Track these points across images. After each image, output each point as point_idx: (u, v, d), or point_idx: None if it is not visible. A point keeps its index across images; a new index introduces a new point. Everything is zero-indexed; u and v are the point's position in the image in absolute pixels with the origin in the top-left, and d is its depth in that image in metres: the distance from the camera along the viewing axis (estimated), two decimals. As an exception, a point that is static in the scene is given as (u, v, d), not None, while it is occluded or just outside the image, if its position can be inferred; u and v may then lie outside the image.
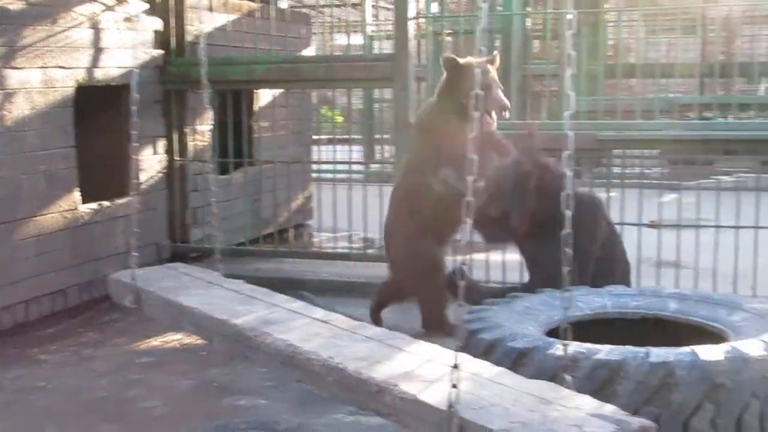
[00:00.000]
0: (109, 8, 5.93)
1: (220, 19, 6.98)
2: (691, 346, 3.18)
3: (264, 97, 7.49)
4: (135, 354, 4.93)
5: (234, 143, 6.75)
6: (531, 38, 12.56)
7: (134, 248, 4.65)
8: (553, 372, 3.05)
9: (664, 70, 10.66)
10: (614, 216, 5.71)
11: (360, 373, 2.92)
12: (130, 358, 4.86)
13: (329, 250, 7.32)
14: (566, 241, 2.82)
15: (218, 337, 3.87)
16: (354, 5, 13.86)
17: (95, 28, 5.79)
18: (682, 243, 5.81)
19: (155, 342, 5.09)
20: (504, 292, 4.28)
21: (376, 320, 5.15)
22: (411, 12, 6.13)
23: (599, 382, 3.04)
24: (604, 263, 4.71)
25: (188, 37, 6.64)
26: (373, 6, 14.58)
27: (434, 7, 11.72)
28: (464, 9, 11.88)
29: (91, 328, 5.43)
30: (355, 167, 11.80)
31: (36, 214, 5.33)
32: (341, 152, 10.43)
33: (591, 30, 10.32)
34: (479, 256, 5.83)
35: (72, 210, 5.60)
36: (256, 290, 4.19)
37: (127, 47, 5.93)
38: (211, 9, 6.82)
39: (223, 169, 6.96)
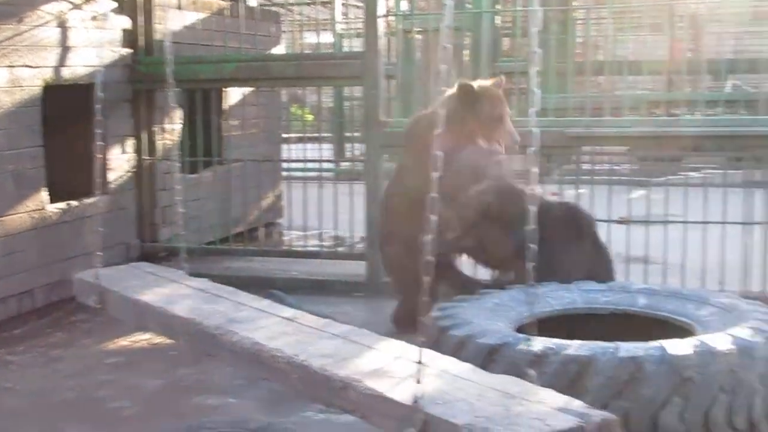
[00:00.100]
0: (77, 7, 5.88)
1: (189, 17, 6.94)
2: (660, 341, 3.20)
3: (233, 95, 7.46)
4: (104, 354, 4.90)
5: (204, 142, 6.73)
6: (500, 36, 12.58)
7: (99, 248, 4.61)
8: (524, 368, 3.06)
9: (633, 67, 10.74)
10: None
11: (325, 369, 2.91)
12: (99, 358, 4.83)
13: (299, 249, 7.31)
14: (532, 237, 2.83)
15: (183, 336, 3.84)
16: (324, 3, 13.83)
17: (62, 26, 5.74)
18: (651, 239, 5.85)
19: (124, 342, 5.06)
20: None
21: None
22: (381, 10, 6.13)
23: (569, 378, 3.06)
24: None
25: (157, 36, 6.60)
26: (342, 4, 14.55)
27: (404, 5, 11.73)
28: (434, 7, 11.87)
29: (60, 328, 5.38)
30: (325, 165, 11.80)
31: (3, 214, 5.28)
32: (311, 150, 10.42)
33: (560, 27, 10.36)
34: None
35: (39, 210, 5.55)
36: (222, 289, 4.17)
37: (95, 46, 5.89)
38: (179, 7, 6.78)
39: (193, 168, 6.93)
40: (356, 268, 6.22)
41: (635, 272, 5.75)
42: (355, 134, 12.98)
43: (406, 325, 4.84)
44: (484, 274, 5.29)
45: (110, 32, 6.22)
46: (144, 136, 6.60)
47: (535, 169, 2.91)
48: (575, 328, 3.70)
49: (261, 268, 6.68)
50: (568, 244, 4.56)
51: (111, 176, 6.16)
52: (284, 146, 8.69)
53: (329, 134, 13.65)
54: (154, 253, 6.53)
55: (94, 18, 6.00)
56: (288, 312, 3.71)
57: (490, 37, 11.37)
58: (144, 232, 6.65)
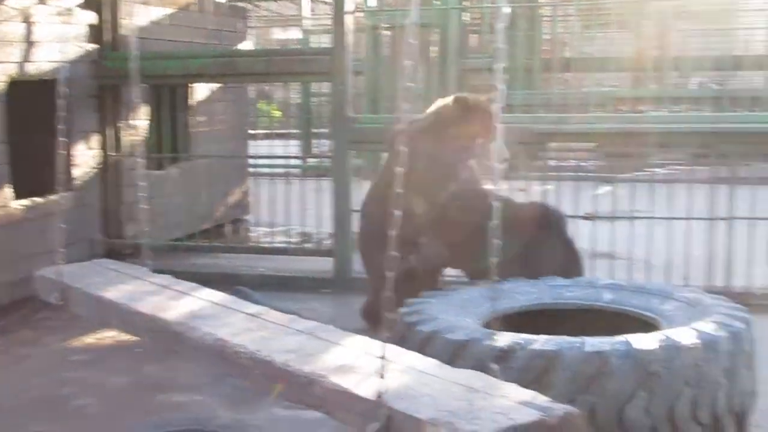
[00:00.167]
0: (42, 2, 5.82)
1: (156, 12, 6.90)
2: (625, 336, 3.22)
3: (200, 91, 7.42)
4: (69, 352, 4.86)
5: (170, 138, 6.69)
6: (468, 32, 12.62)
7: (62, 244, 4.57)
8: (491, 363, 3.07)
9: (599, 64, 10.81)
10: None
11: (288, 365, 2.91)
12: (64, 355, 4.79)
13: (266, 245, 7.28)
14: (494, 232, 2.84)
15: (146, 332, 3.82)
16: (291, -1, 13.82)
17: (27, 22, 5.67)
18: (617, 234, 5.89)
19: (89, 339, 5.02)
20: None
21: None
22: (349, 6, 6.11)
23: (536, 373, 3.07)
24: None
25: (123, 31, 6.54)
26: (310, 0, 14.55)
27: (372, 2, 11.74)
28: (401, 3, 11.88)
29: (25, 326, 5.33)
30: (292, 162, 11.78)
31: (-34, 210, 5.22)
32: (279, 146, 10.40)
33: (527, 24, 10.41)
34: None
35: (3, 207, 5.49)
36: (186, 285, 4.15)
37: (60, 41, 5.83)
38: (146, 2, 6.73)
39: (160, 165, 6.89)
40: (323, 265, 6.21)
41: (601, 267, 5.79)
42: (323, 130, 12.98)
43: (375, 320, 4.84)
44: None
45: (76, 27, 6.16)
46: (110, 132, 6.54)
47: (501, 165, 2.95)
48: (542, 323, 3.72)
49: (228, 264, 6.65)
50: (539, 243, 4.57)
51: (76, 172, 6.10)
52: (251, 142, 8.67)
53: (297, 130, 13.64)
54: (119, 249, 6.48)
55: (59, 13, 5.94)
56: (253, 308, 3.70)
57: (458, 33, 11.41)
58: (109, 229, 6.60)
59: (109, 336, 4.99)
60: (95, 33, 6.39)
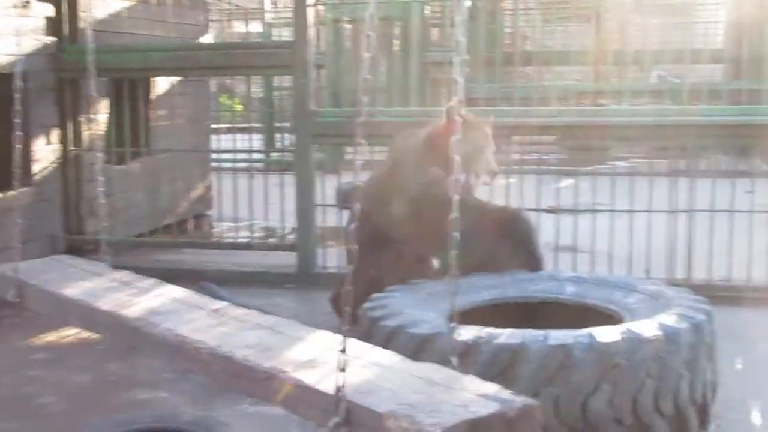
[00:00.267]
0: (-3, -6, 5.75)
1: (115, 5, 6.82)
2: (589, 329, 3.24)
3: (161, 85, 7.36)
4: (31, 350, 4.80)
5: (131, 132, 6.62)
6: (430, 26, 12.64)
7: (19, 240, 4.51)
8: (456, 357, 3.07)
9: (560, 58, 10.87)
10: (513, 202, 5.80)
11: (248, 360, 2.90)
12: (26, 353, 4.73)
13: (230, 240, 7.25)
14: (455, 225, 2.83)
15: (105, 329, 3.78)
16: (252, -8, 13.76)
17: (-18, 14, 5.60)
18: (579, 227, 5.92)
19: (51, 337, 4.96)
20: None
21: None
22: (310, -1, 6.09)
23: (501, 366, 3.09)
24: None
25: (82, 24, 6.46)
26: (272, -7, 14.49)
27: (333, -5, 11.70)
28: (363, -4, 11.88)
29: (-16, 324, 5.27)
30: (255, 156, 11.74)
31: None
32: (241, 141, 10.34)
33: (488, 18, 10.43)
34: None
35: (-39, 202, 5.41)
36: (147, 281, 4.11)
37: (17, 34, 5.75)
38: (105, -5, 6.67)
39: (121, 159, 6.83)
40: (287, 259, 6.19)
41: (564, 261, 5.82)
42: (285, 124, 12.94)
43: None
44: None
45: (33, 20, 6.08)
46: (70, 126, 6.46)
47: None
48: (506, 317, 3.73)
49: (191, 260, 6.61)
50: (504, 249, 4.57)
51: (36, 167, 6.03)
52: (213, 137, 8.61)
53: (259, 124, 13.58)
54: (80, 245, 6.41)
55: (16, 5, 5.86)
56: (215, 304, 3.67)
57: (420, 26, 11.43)
58: (70, 225, 6.53)
59: (71, 334, 4.93)
60: (53, 26, 6.31)
